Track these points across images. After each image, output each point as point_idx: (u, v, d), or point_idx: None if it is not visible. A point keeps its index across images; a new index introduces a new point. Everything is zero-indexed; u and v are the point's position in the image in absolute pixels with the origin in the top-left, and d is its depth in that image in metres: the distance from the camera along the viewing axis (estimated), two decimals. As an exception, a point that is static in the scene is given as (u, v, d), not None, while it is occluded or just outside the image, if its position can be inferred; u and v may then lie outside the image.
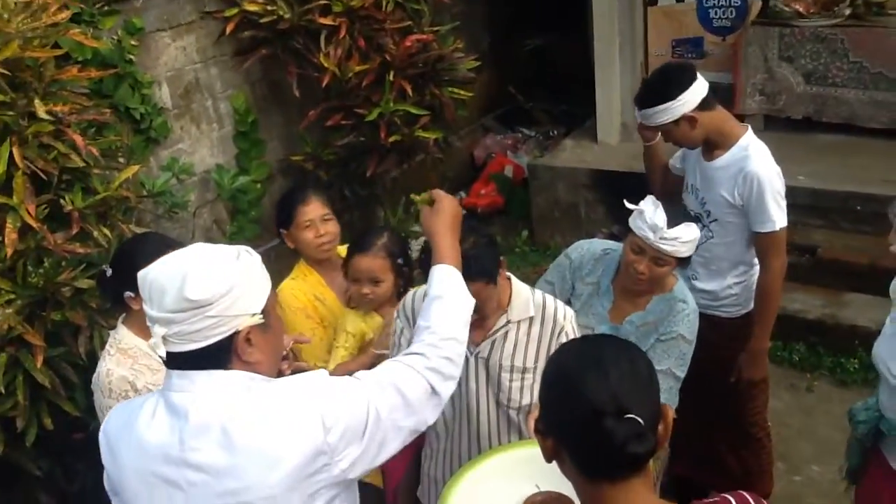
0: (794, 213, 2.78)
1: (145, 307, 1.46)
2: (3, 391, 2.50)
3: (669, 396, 2.47)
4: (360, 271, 2.59)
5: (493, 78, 6.08)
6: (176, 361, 1.46)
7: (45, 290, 2.58)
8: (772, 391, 3.90)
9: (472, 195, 5.79)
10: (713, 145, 2.79)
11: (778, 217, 2.73)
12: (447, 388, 1.64)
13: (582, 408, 1.21)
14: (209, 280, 1.40)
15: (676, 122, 2.70)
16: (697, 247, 2.86)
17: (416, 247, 4.35)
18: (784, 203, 2.75)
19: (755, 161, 2.71)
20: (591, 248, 2.68)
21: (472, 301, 1.79)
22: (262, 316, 1.47)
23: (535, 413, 1.95)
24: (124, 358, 2.22)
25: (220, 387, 1.45)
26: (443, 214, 1.86)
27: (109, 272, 2.25)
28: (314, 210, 2.75)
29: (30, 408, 2.60)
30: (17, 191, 2.50)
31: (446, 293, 1.74)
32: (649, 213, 2.43)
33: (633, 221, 2.47)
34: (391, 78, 3.97)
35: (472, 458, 2.25)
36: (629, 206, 2.50)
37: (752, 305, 2.96)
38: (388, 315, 2.63)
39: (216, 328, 1.42)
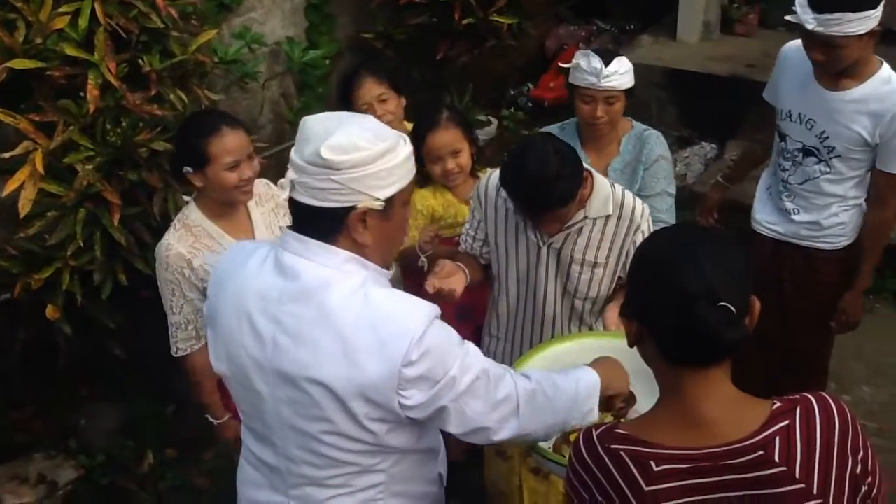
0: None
1: (293, 150, 1.49)
2: (82, 245, 2.60)
3: (670, 215, 2.64)
4: (439, 147, 2.58)
5: (572, -37, 5.80)
6: (294, 213, 1.51)
7: (123, 149, 2.62)
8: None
9: (540, 87, 5.62)
10: (845, 73, 2.48)
11: None
12: (510, 429, 1.58)
13: (674, 292, 1.21)
14: (346, 147, 1.43)
15: (860, 36, 2.33)
16: (803, 182, 2.67)
17: (481, 136, 4.30)
18: None
19: None
20: (553, 129, 2.74)
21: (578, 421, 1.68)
22: (383, 203, 1.47)
23: (620, 300, 1.94)
24: (186, 234, 2.27)
25: (334, 265, 1.48)
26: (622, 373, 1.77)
27: None
28: (368, 92, 2.71)
29: (106, 263, 2.71)
30: (99, 47, 2.51)
31: (572, 393, 1.66)
32: (585, 63, 2.53)
33: (573, 78, 2.58)
34: (470, -45, 3.83)
35: (534, 341, 2.31)
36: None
37: (856, 237, 2.74)
38: (460, 191, 2.65)
39: (337, 194, 1.44)
